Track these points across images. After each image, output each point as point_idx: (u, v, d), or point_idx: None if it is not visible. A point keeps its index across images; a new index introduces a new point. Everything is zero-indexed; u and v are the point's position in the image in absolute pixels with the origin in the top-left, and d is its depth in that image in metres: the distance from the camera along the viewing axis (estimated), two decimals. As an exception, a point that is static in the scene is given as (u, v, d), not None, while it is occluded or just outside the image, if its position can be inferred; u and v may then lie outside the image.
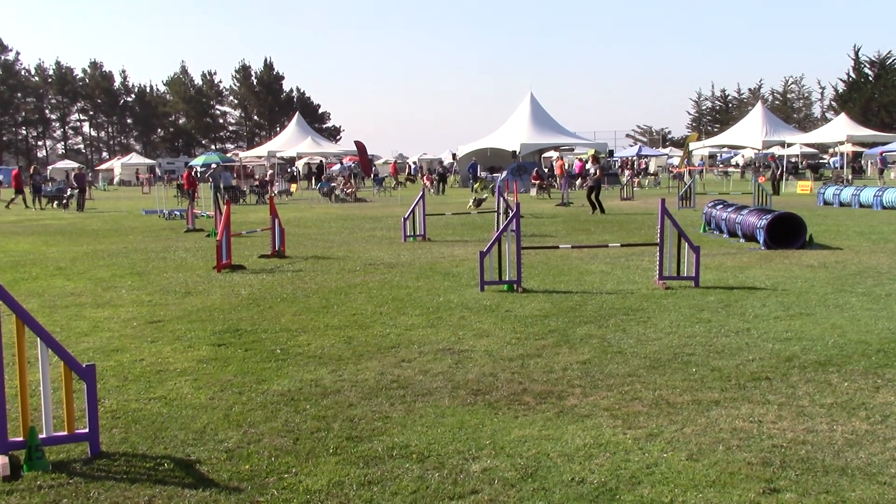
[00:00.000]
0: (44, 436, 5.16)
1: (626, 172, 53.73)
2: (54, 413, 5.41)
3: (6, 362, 5.21)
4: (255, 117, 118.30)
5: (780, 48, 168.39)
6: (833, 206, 27.93)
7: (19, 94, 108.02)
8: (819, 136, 48.75)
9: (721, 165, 66.80)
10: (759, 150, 53.33)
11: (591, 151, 59.41)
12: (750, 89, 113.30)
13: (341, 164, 64.74)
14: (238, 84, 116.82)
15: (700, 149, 58.33)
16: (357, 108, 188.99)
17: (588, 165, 27.55)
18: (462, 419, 5.84)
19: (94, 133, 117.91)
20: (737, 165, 66.40)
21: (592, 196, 26.85)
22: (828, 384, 6.55)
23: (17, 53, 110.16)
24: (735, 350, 7.70)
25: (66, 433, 5.26)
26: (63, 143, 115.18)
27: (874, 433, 5.43)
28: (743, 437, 5.37)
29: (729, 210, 18.26)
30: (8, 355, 5.27)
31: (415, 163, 79.47)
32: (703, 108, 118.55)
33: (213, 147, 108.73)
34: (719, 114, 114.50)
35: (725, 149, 67.04)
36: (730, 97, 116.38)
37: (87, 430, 5.28)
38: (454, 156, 63.02)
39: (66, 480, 4.86)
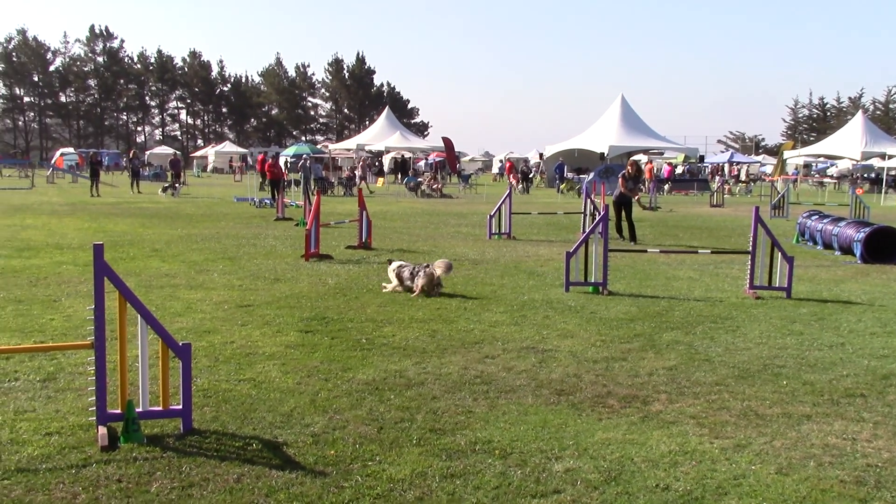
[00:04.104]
0: (140, 410, 5.35)
1: (717, 179, 52.62)
2: (149, 389, 5.60)
3: (105, 338, 5.42)
4: (346, 110, 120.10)
5: (883, 56, 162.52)
6: (936, 222, 26.79)
7: (122, 81, 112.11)
8: (924, 148, 46.79)
9: (816, 175, 64.80)
10: (857, 161, 51.53)
11: (681, 157, 58.52)
12: (850, 98, 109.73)
13: (426, 160, 65.12)
14: (330, 77, 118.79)
15: (795, 157, 56.71)
16: (445, 104, 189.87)
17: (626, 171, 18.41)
18: (545, 418, 5.82)
19: (190, 120, 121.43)
20: (832, 176, 64.31)
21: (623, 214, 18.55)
22: (927, 405, 6.31)
23: (122, 41, 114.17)
24: (828, 364, 7.48)
25: (160, 408, 5.44)
26: (161, 129, 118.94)
27: (977, 459, 5.20)
28: (836, 453, 5.22)
29: (825, 221, 17.71)
30: (108, 331, 5.46)
31: (501, 161, 79.32)
32: (800, 115, 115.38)
33: (303, 138, 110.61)
34: (816, 122, 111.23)
35: (821, 158, 65.00)
36: (828, 105, 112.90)
37: (180, 407, 5.44)
38: (541, 155, 62.72)
39: (159, 454, 5.03)
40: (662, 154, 60.52)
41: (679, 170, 57.56)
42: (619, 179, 18.70)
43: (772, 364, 7.45)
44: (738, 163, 71.78)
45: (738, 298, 10.93)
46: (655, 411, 6.03)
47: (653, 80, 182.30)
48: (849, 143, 46.25)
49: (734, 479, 4.79)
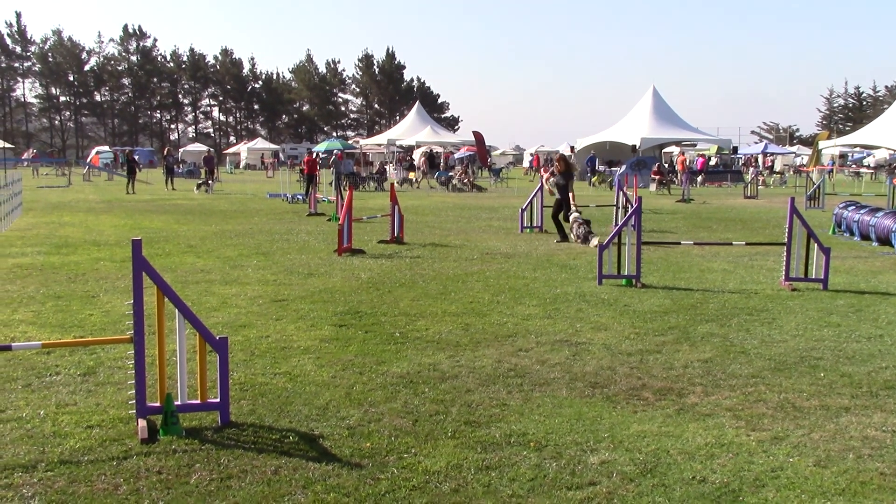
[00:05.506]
0: (179, 403, 5.42)
1: (751, 170, 52.06)
2: (187, 382, 5.67)
3: (144, 332, 5.50)
4: (376, 105, 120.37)
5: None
6: (976, 212, 26.31)
7: (155, 79, 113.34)
8: (963, 137, 45.84)
9: (853, 165, 63.81)
10: (894, 151, 50.68)
11: (714, 148, 57.90)
12: (887, 86, 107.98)
13: (453, 154, 65.00)
14: (360, 73, 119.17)
15: (830, 148, 55.89)
16: (476, 98, 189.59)
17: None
18: (580, 411, 5.82)
19: (222, 118, 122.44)
20: (868, 166, 63.23)
21: (560, 217, 17.09)
22: (969, 397, 6.21)
23: (155, 40, 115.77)
24: (867, 356, 7.39)
25: (198, 402, 5.51)
26: (194, 126, 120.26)
27: None
28: (875, 446, 5.16)
29: (862, 212, 17.46)
30: (146, 325, 5.54)
31: (532, 154, 79.08)
32: (835, 105, 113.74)
33: (334, 134, 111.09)
34: (852, 112, 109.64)
35: (858, 148, 63.96)
36: (864, 95, 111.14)
37: (218, 400, 5.51)
38: (572, 148, 62.40)
39: (198, 446, 5.09)
40: (695, 145, 60.07)
41: (712, 161, 57.00)
42: (546, 175, 18.48)
43: (809, 356, 7.38)
44: (772, 154, 70.93)
45: (773, 290, 10.83)
46: (691, 404, 6.00)
47: (685, 71, 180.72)
48: (886, 133, 45.31)
49: (772, 471, 4.76)
